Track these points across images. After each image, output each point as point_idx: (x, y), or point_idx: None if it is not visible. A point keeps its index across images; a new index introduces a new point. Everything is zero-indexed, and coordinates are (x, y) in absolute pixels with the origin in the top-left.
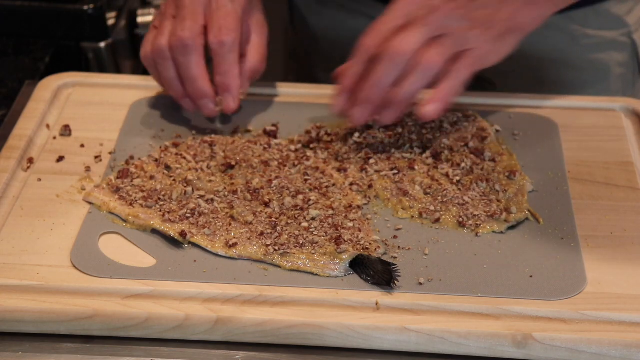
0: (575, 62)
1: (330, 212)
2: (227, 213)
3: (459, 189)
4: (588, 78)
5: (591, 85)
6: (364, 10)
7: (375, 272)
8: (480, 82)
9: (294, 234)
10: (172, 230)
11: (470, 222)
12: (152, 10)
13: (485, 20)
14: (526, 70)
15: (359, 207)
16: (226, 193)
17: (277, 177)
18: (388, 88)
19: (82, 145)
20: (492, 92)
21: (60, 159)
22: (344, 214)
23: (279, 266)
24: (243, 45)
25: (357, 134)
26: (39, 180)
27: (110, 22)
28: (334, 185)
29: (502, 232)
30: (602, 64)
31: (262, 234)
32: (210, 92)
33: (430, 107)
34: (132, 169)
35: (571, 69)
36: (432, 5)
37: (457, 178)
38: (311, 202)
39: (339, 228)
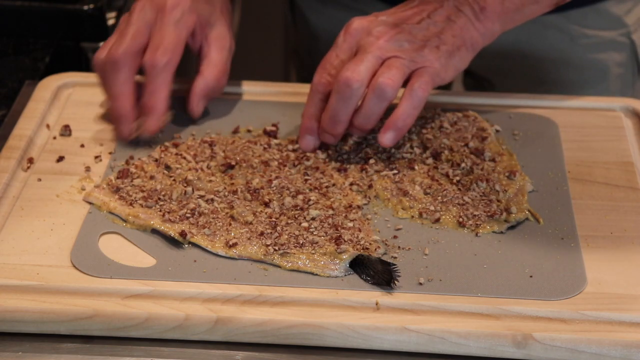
0: (574, 62)
1: (330, 212)
2: (227, 213)
3: (459, 189)
4: (587, 78)
5: (590, 86)
6: (365, 9)
7: (375, 272)
8: (479, 82)
9: (294, 234)
10: (172, 230)
11: (470, 222)
12: None
13: (432, 39)
14: (525, 70)
15: (359, 207)
16: (226, 193)
17: (277, 177)
18: (348, 117)
19: (82, 145)
20: (492, 92)
21: (60, 159)
22: (344, 214)
23: (279, 266)
24: (201, 62)
25: (357, 134)
26: (39, 180)
27: (110, 22)
28: (334, 185)
29: (502, 232)
30: (600, 64)
31: (262, 234)
32: (127, 113)
33: (388, 135)
34: (132, 169)
35: (570, 68)
36: (377, 33)
37: (457, 178)
38: (311, 202)
39: (339, 228)
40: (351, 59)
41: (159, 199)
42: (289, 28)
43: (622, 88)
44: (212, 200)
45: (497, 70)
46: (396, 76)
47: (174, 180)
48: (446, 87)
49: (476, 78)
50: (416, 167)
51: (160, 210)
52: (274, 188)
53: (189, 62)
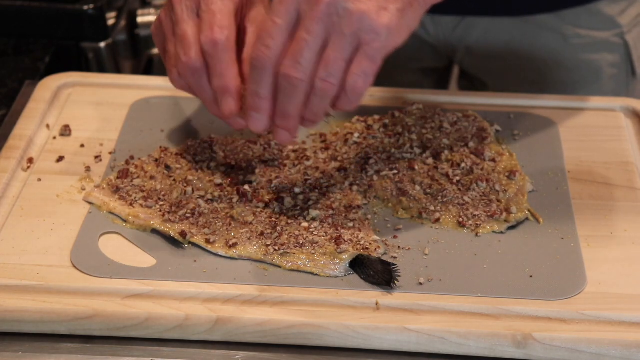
0: (566, 63)
1: (330, 212)
2: (227, 213)
3: (459, 189)
4: (580, 79)
5: (583, 86)
6: None
7: (375, 272)
8: (472, 83)
9: (294, 234)
10: (172, 230)
11: (470, 222)
12: (152, 10)
13: None
14: (518, 71)
15: (359, 207)
16: (226, 193)
17: (277, 177)
18: (298, 111)
19: (82, 145)
20: (492, 92)
21: (60, 159)
22: (344, 214)
23: (279, 266)
24: (241, 47)
25: (357, 134)
26: (39, 180)
27: (110, 22)
28: (334, 185)
29: (502, 232)
30: (593, 65)
31: (262, 234)
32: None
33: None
34: (132, 169)
35: (563, 69)
36: None
37: (457, 178)
38: (311, 202)
39: (339, 228)
40: (291, 38)
41: (159, 199)
42: None
43: (615, 89)
44: (212, 200)
45: (490, 70)
46: (337, 73)
47: (174, 180)
48: (444, 88)
49: (469, 79)
50: (416, 167)
51: (160, 210)
52: (274, 188)
53: None
